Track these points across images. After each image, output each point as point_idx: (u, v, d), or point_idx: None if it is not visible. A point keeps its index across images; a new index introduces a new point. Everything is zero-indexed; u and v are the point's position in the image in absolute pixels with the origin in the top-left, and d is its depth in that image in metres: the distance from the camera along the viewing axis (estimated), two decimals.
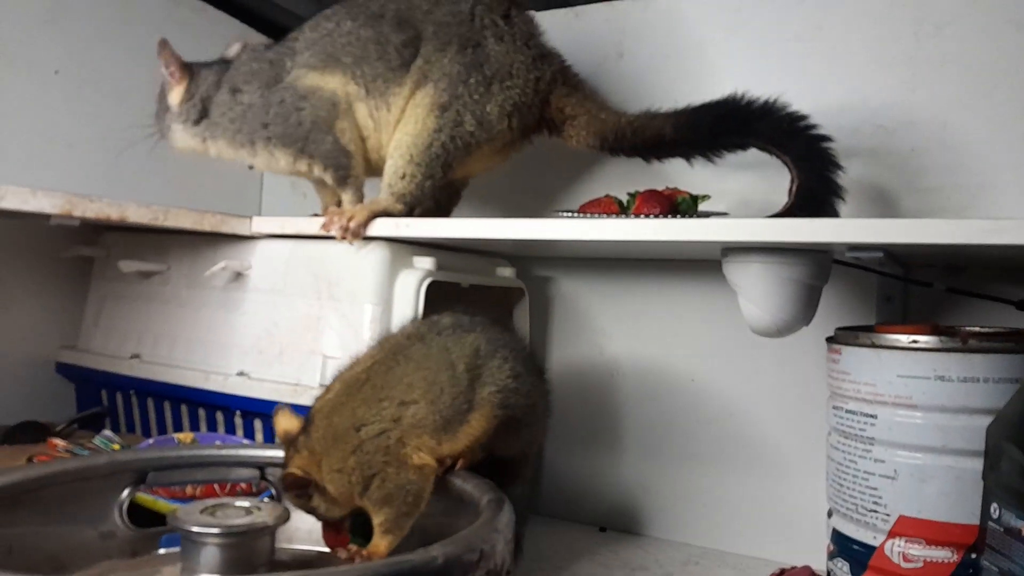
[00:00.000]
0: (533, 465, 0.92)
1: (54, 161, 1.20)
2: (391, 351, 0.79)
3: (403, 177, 0.97)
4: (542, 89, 1.01)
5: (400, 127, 0.98)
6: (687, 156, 0.97)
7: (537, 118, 1.02)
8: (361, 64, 0.98)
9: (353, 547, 0.74)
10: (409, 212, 0.98)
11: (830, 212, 0.83)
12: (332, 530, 0.76)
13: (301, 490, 0.73)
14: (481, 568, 0.57)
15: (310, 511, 0.75)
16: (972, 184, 0.98)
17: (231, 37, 1.12)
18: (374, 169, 1.04)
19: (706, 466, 1.13)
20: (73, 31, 1.21)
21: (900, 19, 1.03)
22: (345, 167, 1.00)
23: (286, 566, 0.73)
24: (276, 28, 1.50)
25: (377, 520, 0.72)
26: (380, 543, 0.72)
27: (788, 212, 0.82)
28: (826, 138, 0.88)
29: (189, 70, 1.04)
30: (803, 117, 0.88)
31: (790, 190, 0.84)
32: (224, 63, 1.06)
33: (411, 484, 0.73)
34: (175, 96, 1.04)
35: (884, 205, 1.03)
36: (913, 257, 0.90)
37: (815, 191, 0.82)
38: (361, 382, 0.76)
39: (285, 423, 0.77)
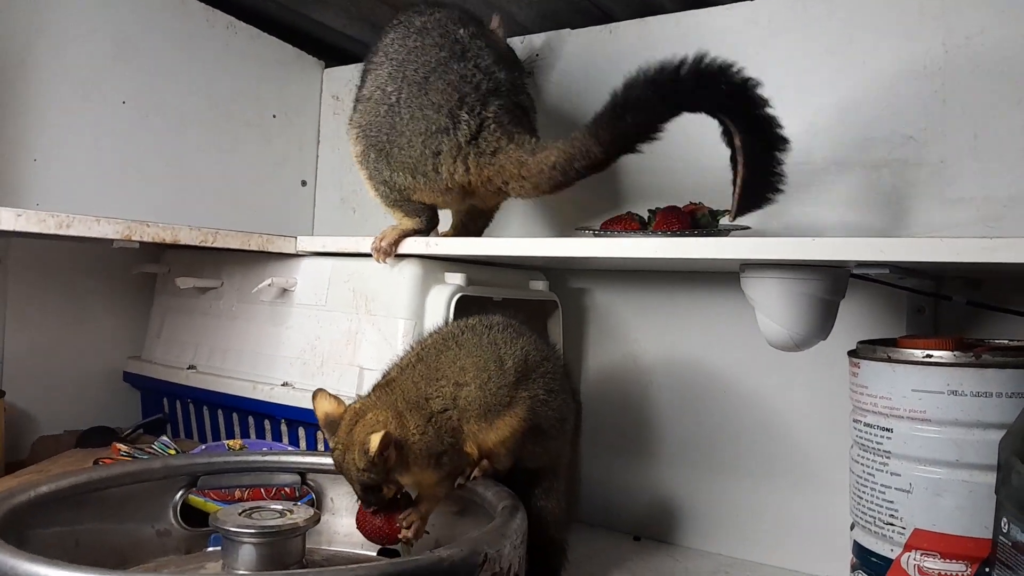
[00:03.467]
0: (565, 479, 0.95)
1: (125, 185, 1.29)
2: (443, 338, 0.84)
3: (391, 213, 1.05)
4: (446, 160, 0.96)
5: None
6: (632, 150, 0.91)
7: (471, 182, 0.98)
8: None
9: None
10: (428, 222, 1.03)
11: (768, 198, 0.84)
12: (383, 514, 0.79)
13: (388, 449, 0.73)
14: (486, 571, 0.61)
15: (380, 482, 0.75)
16: (1003, 195, 0.97)
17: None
18: None
19: (739, 477, 1.14)
20: (139, 64, 1.31)
21: (929, 30, 1.02)
22: None
23: (317, 565, 0.78)
24: (333, 50, 1.58)
25: (432, 493, 0.78)
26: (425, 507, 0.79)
27: (737, 207, 0.83)
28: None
29: None
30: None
31: (734, 181, 0.84)
32: None
33: (461, 467, 0.79)
34: None
35: (914, 215, 1.02)
36: (939, 270, 0.90)
37: (756, 186, 0.82)
38: (413, 362, 0.82)
39: (325, 405, 0.80)
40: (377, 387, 0.80)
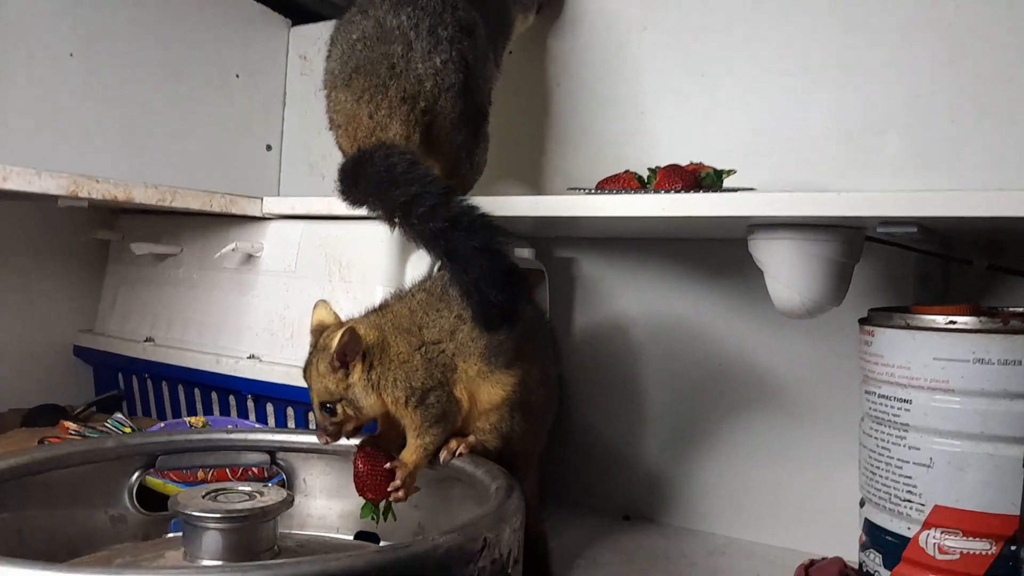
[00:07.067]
0: (537, 469, 0.89)
1: (73, 146, 1.19)
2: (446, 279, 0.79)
3: None
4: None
5: None
6: None
7: None
8: None
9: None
10: None
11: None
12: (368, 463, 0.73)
13: (353, 353, 0.71)
14: (485, 557, 0.54)
15: (333, 400, 0.72)
16: (1016, 157, 0.92)
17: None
18: None
19: (733, 453, 1.09)
20: (87, 14, 1.20)
21: None
22: None
23: (291, 552, 0.71)
24: (300, 8, 1.49)
25: (421, 441, 0.73)
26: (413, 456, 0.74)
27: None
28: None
29: None
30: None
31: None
32: None
33: (452, 413, 0.75)
34: None
35: (922, 179, 0.97)
36: (953, 234, 0.86)
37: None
38: (414, 291, 0.78)
39: (322, 314, 0.77)
40: (371, 310, 0.78)
